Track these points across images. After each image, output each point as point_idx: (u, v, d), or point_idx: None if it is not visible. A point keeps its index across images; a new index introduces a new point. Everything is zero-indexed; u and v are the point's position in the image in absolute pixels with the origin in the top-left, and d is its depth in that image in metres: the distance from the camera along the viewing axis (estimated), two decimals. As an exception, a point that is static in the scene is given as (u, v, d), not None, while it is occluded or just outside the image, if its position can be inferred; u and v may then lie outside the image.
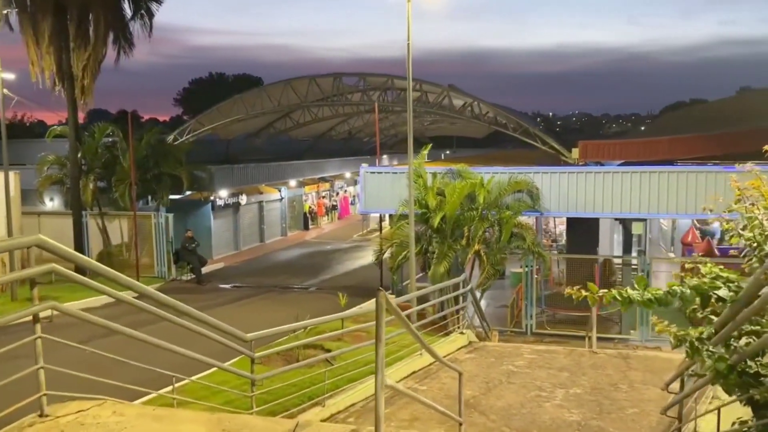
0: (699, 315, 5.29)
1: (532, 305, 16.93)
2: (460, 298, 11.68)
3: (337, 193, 42.42)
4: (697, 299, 4.56)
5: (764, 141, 15.75)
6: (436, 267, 13.50)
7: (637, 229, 14.58)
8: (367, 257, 27.72)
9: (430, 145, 15.70)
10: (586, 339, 14.41)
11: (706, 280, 4.48)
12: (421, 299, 13.11)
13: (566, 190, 14.66)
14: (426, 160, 16.68)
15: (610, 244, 22.20)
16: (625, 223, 15.76)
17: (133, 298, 5.37)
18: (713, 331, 4.61)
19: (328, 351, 10.22)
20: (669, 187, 13.96)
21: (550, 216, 15.19)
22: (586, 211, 14.68)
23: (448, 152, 49.60)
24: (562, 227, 23.42)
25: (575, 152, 21.07)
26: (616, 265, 20.01)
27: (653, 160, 18.68)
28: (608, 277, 18.03)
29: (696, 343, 4.24)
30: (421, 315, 12.42)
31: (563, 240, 23.66)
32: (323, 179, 39.43)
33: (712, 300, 4.48)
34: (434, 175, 15.08)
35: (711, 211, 5.44)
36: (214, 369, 7.77)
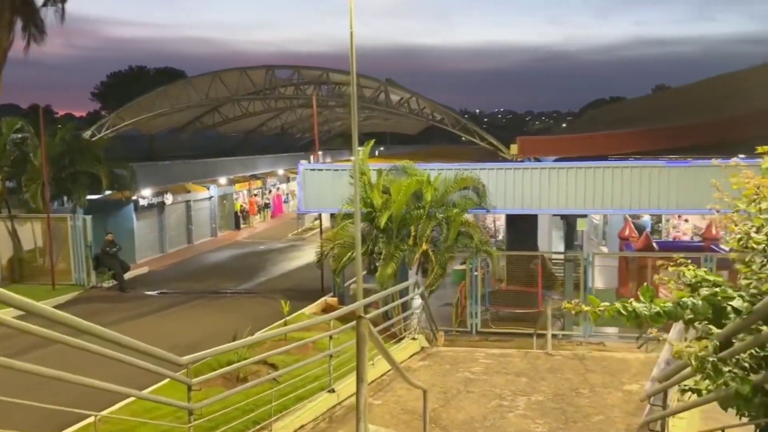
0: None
1: (477, 304, 16.61)
2: (411, 303, 11.08)
3: (270, 191, 41.08)
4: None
5: (697, 136, 15.84)
6: (383, 269, 12.84)
7: (581, 225, 14.45)
8: (304, 257, 26.81)
9: (373, 141, 15.02)
10: (535, 337, 14.21)
11: (713, 290, 4.05)
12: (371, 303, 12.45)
13: (512, 186, 14.34)
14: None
15: (548, 240, 22.29)
16: (568, 219, 15.65)
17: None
18: (717, 344, 4.19)
19: (273, 366, 9.38)
20: (613, 182, 13.87)
21: (497, 213, 14.84)
22: (532, 207, 14.42)
23: (382, 148, 49.12)
24: (500, 223, 23.33)
25: (513, 148, 20.85)
26: (554, 260, 20.08)
27: (589, 156, 18.76)
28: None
29: (719, 365, 3.77)
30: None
31: (500, 236, 23.60)
32: (255, 176, 38.03)
33: (727, 312, 4.04)
34: (379, 172, 14.40)
35: (718, 211, 5.04)
36: (141, 394, 6.75)
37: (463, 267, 16.79)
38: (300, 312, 14.80)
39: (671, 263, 5.21)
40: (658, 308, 4.06)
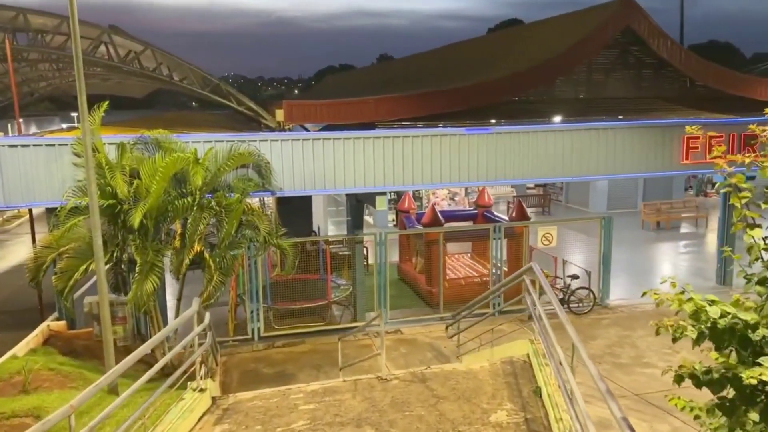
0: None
1: (257, 302, 13.72)
2: (194, 339, 7.80)
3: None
4: None
5: (472, 99, 14.52)
6: (139, 284, 9.12)
7: (380, 204, 12.46)
8: (8, 257, 20.58)
9: (107, 102, 10.87)
10: (339, 342, 11.93)
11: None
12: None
13: (301, 162, 11.62)
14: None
15: (324, 217, 20.17)
16: (358, 198, 13.59)
17: None
18: None
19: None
20: (421, 154, 12.10)
21: (285, 195, 12.00)
22: (327, 187, 11.91)
23: (103, 115, 41.57)
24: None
25: (279, 114, 18.04)
26: (334, 243, 18.06)
27: (364, 122, 17.07)
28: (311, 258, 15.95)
29: None
30: (144, 360, 8.07)
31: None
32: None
33: None
34: (120, 147, 10.37)
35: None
36: None
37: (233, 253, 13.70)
38: (11, 353, 10.21)
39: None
40: None
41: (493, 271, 15.27)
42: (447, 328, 12.08)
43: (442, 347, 13.17)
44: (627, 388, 10.79)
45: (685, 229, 25.51)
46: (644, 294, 4.22)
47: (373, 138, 11.93)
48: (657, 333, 3.81)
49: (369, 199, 12.85)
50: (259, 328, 13.69)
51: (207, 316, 8.11)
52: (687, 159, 13.24)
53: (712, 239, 23.34)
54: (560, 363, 6.08)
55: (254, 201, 12.70)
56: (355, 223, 14.22)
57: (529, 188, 34.16)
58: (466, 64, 27.32)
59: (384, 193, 12.55)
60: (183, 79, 22.45)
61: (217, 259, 9.81)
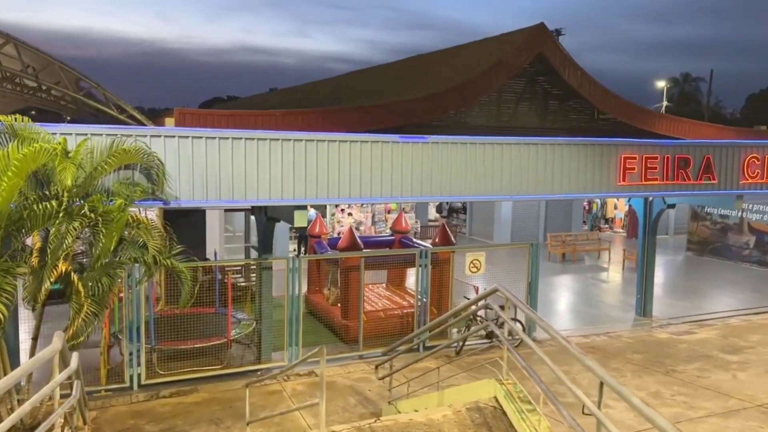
0: None
1: (138, 342, 11.13)
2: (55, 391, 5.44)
3: None
4: None
5: (386, 119, 13.01)
6: (-26, 317, 6.57)
7: (300, 220, 10.52)
8: None
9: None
10: (248, 388, 9.69)
11: None
12: None
13: (204, 165, 9.46)
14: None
15: (220, 242, 17.75)
16: (268, 214, 11.57)
17: None
18: None
19: None
20: (349, 163, 10.34)
21: (183, 205, 9.73)
22: (234, 198, 9.80)
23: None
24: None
25: (169, 123, 15.77)
26: (232, 269, 15.81)
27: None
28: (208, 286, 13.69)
29: None
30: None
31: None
32: None
33: None
34: (-43, 133, 7.77)
35: None
36: None
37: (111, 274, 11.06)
38: None
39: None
40: None
41: (418, 303, 13.71)
42: (377, 367, 10.24)
43: (366, 390, 11.30)
44: (584, 433, 9.47)
45: (588, 261, 25.55)
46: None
47: (294, 140, 10.04)
48: None
49: (284, 215, 10.86)
50: (139, 374, 11.10)
51: (74, 357, 5.78)
52: (624, 180, 12.57)
53: (616, 270, 23.47)
54: (585, 412, 4.54)
55: (139, 212, 10.32)
56: (264, 247, 12.12)
57: (431, 220, 33.41)
58: (369, 90, 26.26)
59: (304, 207, 10.61)
60: (56, 83, 19.33)
61: (90, 284, 7.41)
